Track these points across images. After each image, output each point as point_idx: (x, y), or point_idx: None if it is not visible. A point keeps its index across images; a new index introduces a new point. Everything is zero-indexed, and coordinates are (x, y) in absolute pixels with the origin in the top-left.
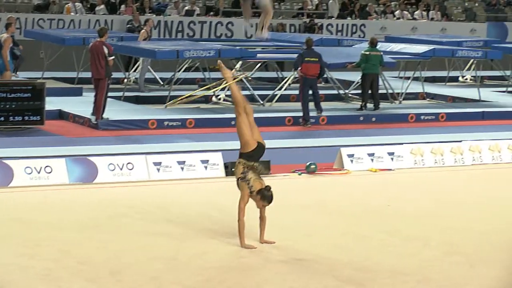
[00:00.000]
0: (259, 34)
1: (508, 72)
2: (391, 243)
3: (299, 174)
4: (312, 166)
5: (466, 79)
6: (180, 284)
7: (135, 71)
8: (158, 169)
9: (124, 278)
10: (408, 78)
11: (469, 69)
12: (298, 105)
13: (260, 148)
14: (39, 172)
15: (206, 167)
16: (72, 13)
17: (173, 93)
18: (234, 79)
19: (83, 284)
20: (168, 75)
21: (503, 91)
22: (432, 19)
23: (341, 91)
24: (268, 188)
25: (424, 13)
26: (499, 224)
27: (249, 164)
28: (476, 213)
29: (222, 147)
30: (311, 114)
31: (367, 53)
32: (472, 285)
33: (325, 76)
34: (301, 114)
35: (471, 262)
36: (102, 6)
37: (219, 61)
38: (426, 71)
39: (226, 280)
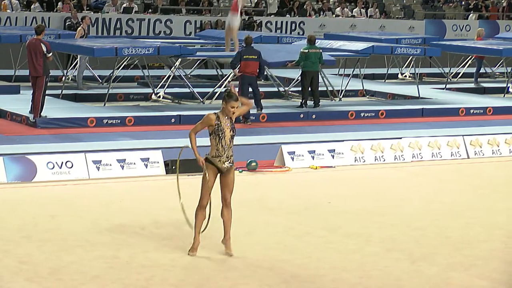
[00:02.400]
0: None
1: (446, 69)
2: (332, 240)
3: (240, 172)
4: (253, 164)
5: (405, 76)
6: (121, 282)
7: (73, 68)
8: (98, 168)
9: (64, 277)
10: (347, 75)
11: (408, 66)
12: None
13: None
14: None
15: (146, 165)
16: (8, 10)
17: (111, 91)
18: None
19: (23, 284)
20: (106, 72)
21: (442, 88)
22: (370, 16)
23: (281, 89)
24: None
25: (363, 10)
26: (439, 220)
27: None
28: (416, 210)
29: (162, 145)
30: (251, 111)
31: (306, 51)
32: (413, 281)
33: (265, 73)
34: None
35: (411, 258)
36: (37, 4)
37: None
38: (365, 68)
39: (168, 279)
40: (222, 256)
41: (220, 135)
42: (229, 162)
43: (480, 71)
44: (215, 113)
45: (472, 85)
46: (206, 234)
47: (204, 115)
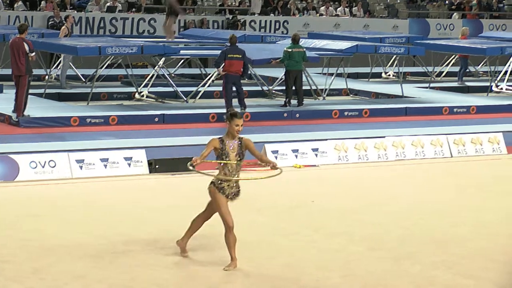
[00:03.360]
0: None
1: (430, 68)
2: (316, 239)
3: None
4: None
5: (389, 75)
6: (105, 282)
7: (56, 67)
8: (81, 167)
9: (47, 276)
10: (331, 74)
11: (391, 65)
12: (222, 101)
13: None
14: None
15: (129, 164)
16: None
17: (95, 90)
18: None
19: (6, 283)
20: (90, 72)
21: (426, 87)
22: (354, 15)
23: (265, 88)
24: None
25: (347, 9)
26: (422, 219)
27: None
28: (399, 208)
29: (146, 144)
30: (236, 109)
31: (290, 50)
32: (396, 280)
33: (249, 72)
34: (225, 110)
35: (395, 257)
36: (20, 3)
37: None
38: (349, 67)
39: (152, 278)
40: (206, 256)
41: (224, 159)
42: (237, 187)
43: (463, 71)
44: (219, 137)
45: (456, 84)
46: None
47: (188, 114)
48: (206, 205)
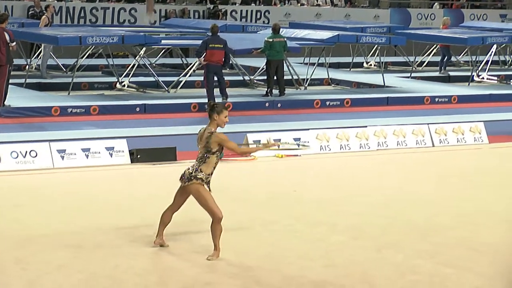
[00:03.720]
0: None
1: (411, 58)
2: (298, 228)
3: None
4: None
5: (371, 65)
6: (86, 271)
7: (37, 57)
8: (62, 157)
9: (29, 266)
10: (312, 64)
11: (373, 55)
12: (203, 91)
13: None
14: None
15: (111, 154)
16: None
17: (76, 80)
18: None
19: None
20: (70, 61)
21: (407, 77)
22: (335, 5)
23: (246, 77)
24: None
25: None
26: (404, 208)
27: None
28: (381, 198)
29: (127, 134)
30: (217, 100)
31: (271, 40)
32: (379, 269)
33: (230, 62)
34: (206, 100)
35: (377, 247)
36: None
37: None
38: (330, 57)
39: (132, 267)
40: (187, 247)
41: (219, 153)
42: None
43: (447, 60)
44: (213, 130)
45: (437, 74)
46: (169, 227)
47: (169, 104)
48: (174, 198)
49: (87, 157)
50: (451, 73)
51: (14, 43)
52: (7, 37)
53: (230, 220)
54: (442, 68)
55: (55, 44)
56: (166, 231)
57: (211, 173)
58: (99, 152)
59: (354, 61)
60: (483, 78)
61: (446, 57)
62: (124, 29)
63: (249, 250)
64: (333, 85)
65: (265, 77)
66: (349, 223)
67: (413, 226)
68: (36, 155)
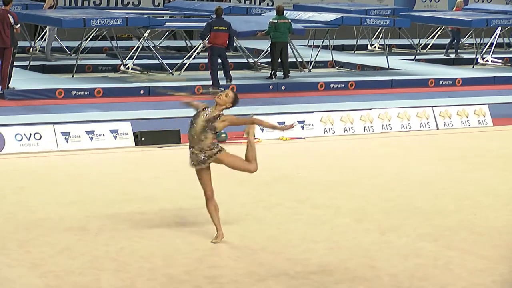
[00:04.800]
0: None
1: (415, 40)
2: (302, 211)
3: None
4: (223, 135)
5: (375, 47)
6: (90, 254)
7: (41, 40)
8: (67, 139)
9: (33, 249)
10: (317, 46)
11: (377, 37)
12: (208, 73)
13: None
14: None
15: (115, 137)
16: None
17: (80, 62)
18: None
19: None
20: (75, 44)
21: (411, 59)
22: None
23: (251, 60)
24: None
25: None
26: (408, 191)
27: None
28: (385, 181)
29: (131, 117)
30: (221, 82)
31: (275, 21)
32: (382, 251)
33: (234, 44)
34: (210, 82)
35: (381, 229)
36: None
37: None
38: (334, 40)
39: (137, 250)
40: (191, 229)
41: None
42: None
43: (457, 43)
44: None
45: (442, 56)
46: (173, 209)
47: (173, 86)
48: (201, 184)
49: (91, 140)
50: (455, 56)
51: (19, 25)
52: (12, 20)
53: (233, 203)
54: (454, 51)
55: (59, 26)
56: (169, 213)
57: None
58: (103, 135)
59: (358, 43)
60: (487, 60)
61: (455, 40)
62: (128, 11)
63: (254, 232)
64: (337, 67)
65: (269, 60)
66: (353, 206)
67: (417, 209)
68: (41, 138)
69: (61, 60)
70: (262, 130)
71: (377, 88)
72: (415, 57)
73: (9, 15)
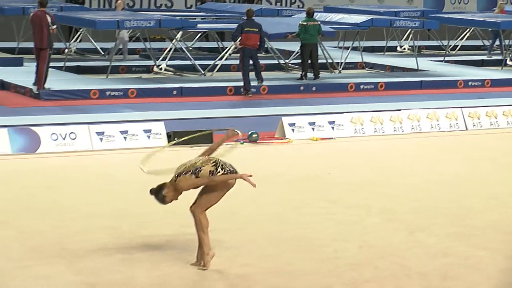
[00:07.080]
0: None
1: (444, 42)
2: (333, 210)
3: (241, 143)
4: (254, 135)
5: (404, 48)
6: (125, 252)
7: (75, 41)
8: (101, 139)
9: (68, 246)
10: (347, 48)
11: (406, 39)
12: (239, 74)
13: None
14: None
15: (148, 137)
16: None
17: (114, 63)
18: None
19: (26, 255)
20: (109, 45)
21: (440, 61)
22: None
23: (281, 61)
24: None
25: None
26: (437, 191)
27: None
28: (414, 181)
29: (164, 117)
30: (252, 83)
31: (305, 23)
32: (412, 250)
33: (265, 46)
34: (242, 83)
35: (409, 229)
36: None
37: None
38: (364, 41)
39: (173, 248)
40: (219, 225)
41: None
42: None
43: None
44: None
45: (470, 58)
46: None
47: (206, 87)
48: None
49: (125, 140)
50: (484, 58)
51: (55, 26)
52: (49, 20)
53: (265, 202)
54: (488, 52)
55: (93, 27)
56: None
57: None
58: (137, 135)
59: (388, 45)
60: None
61: (499, 41)
62: (160, 13)
63: (282, 230)
64: (367, 68)
65: (300, 61)
66: (383, 206)
67: (445, 209)
68: (76, 138)
69: (95, 61)
70: (293, 131)
71: (406, 89)
72: (444, 58)
73: (47, 15)
